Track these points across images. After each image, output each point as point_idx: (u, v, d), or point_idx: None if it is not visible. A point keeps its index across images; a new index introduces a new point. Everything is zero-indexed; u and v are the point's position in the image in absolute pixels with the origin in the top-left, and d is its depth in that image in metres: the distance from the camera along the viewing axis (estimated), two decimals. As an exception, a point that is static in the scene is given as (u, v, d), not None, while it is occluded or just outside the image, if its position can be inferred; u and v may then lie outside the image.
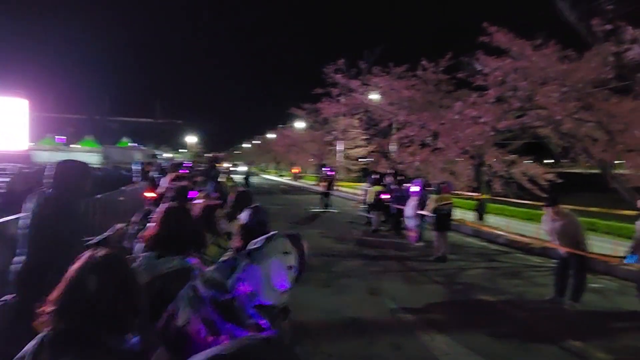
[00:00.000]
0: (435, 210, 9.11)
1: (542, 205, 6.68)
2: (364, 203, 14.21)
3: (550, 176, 15.37)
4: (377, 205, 12.45)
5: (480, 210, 15.48)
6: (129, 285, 1.33)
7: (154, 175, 9.25)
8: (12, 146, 21.78)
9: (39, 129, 36.06)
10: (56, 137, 44.32)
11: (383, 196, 12.30)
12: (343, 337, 4.82)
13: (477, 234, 12.20)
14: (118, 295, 1.27)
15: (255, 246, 1.68)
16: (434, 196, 9.32)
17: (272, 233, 1.76)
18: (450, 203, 9.34)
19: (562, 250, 6.33)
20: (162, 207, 2.48)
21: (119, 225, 3.16)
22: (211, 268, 1.63)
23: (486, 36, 11.55)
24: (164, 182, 8.45)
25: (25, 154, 22.01)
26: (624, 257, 6.37)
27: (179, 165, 9.51)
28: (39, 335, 1.17)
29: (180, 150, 77.19)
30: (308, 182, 40.90)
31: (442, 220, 9.09)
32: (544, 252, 9.59)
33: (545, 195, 6.96)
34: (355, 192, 19.97)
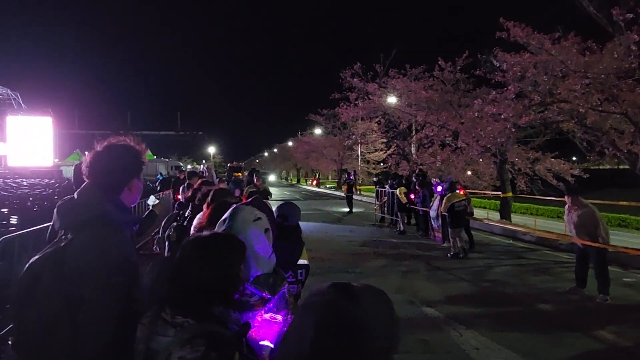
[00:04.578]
0: (450, 208, 9.14)
1: (564, 194, 6.67)
2: (385, 205, 14.21)
3: (576, 172, 15.02)
4: (403, 206, 12.41)
5: (505, 208, 15.22)
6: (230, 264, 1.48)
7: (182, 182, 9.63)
8: (38, 162, 22.57)
9: (66, 146, 37.12)
10: (86, 152, 45.50)
11: (411, 196, 12.29)
12: (370, 334, 4.83)
13: (503, 232, 12.03)
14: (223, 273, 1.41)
15: (223, 227, 1.72)
16: (448, 194, 9.37)
17: (233, 207, 1.81)
18: (464, 200, 9.36)
19: (579, 242, 6.26)
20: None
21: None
22: None
23: (503, 32, 11.47)
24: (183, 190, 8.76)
25: (57, 169, 22.68)
26: None
27: (196, 173, 9.95)
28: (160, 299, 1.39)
29: (204, 161, 78.22)
30: (330, 188, 40.90)
31: (457, 217, 9.12)
32: (573, 249, 9.38)
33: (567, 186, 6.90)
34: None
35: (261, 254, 1.68)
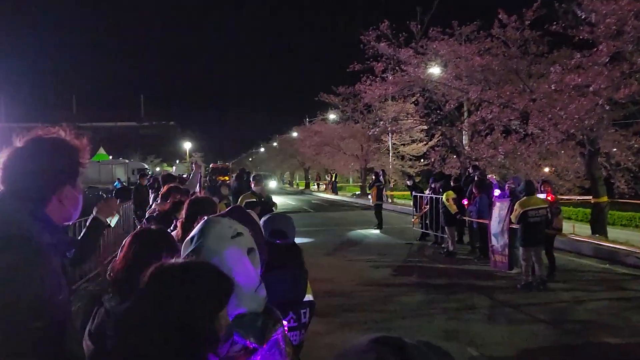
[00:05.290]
0: (521, 219, 9.06)
1: None
2: (427, 217, 14.19)
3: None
4: (452, 218, 12.35)
5: (599, 219, 15.05)
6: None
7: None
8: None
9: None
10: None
11: (464, 202, 12.25)
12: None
13: (596, 253, 11.91)
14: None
15: (191, 247, 1.71)
16: (522, 198, 9.31)
17: (204, 219, 1.82)
18: (543, 208, 9.26)
19: None
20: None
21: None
22: None
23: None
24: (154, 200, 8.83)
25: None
26: None
27: (174, 177, 10.01)
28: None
29: (177, 162, 79.48)
30: (353, 196, 40.93)
31: (531, 231, 9.05)
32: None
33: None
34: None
35: (243, 283, 1.66)
